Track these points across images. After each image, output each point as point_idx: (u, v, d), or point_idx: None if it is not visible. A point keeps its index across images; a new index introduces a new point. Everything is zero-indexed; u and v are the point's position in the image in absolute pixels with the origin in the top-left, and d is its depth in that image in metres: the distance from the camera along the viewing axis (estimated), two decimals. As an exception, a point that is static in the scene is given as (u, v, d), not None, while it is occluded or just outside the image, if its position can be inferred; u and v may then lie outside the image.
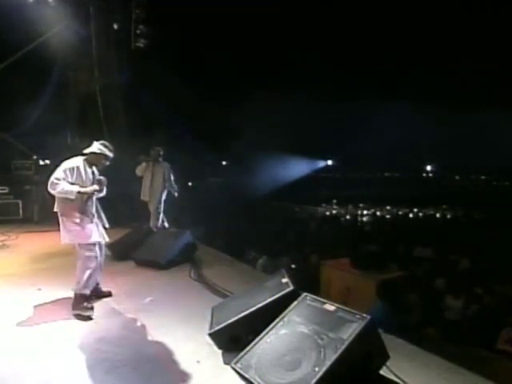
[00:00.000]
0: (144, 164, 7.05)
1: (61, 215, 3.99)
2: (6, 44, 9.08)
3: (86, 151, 4.10)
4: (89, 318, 3.74)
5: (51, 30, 9.50)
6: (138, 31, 9.96)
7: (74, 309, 3.83)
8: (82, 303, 3.86)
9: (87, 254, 3.98)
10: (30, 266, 5.69)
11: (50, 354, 3.02)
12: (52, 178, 3.84)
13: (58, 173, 3.87)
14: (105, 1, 9.85)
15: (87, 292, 3.97)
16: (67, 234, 3.97)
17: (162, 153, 7.11)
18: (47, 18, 9.14)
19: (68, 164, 3.95)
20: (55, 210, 4.04)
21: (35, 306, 4.02)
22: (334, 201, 24.18)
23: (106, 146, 4.16)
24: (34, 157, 9.11)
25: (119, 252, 5.95)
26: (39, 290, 4.49)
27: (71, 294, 4.31)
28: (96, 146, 4.12)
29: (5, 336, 3.36)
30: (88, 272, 3.96)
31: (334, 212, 22.60)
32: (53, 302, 4.17)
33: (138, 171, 7.09)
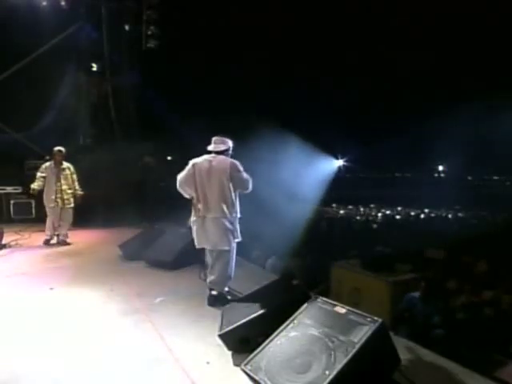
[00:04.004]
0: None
1: (221, 217, 3.92)
2: (20, 46, 9.21)
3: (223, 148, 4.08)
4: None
5: (64, 32, 9.62)
6: (150, 32, 10.04)
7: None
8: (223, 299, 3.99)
9: (233, 253, 4.10)
10: (42, 265, 5.75)
11: (62, 354, 3.05)
12: (245, 176, 3.95)
13: (239, 166, 3.95)
14: (116, 2, 9.93)
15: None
16: (226, 238, 3.97)
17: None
18: (60, 21, 9.26)
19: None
20: (214, 215, 3.92)
21: (47, 306, 4.06)
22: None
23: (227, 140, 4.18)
24: (47, 157, 9.22)
25: (130, 252, 5.99)
26: (51, 289, 4.53)
27: (83, 294, 4.39)
28: (225, 142, 4.10)
29: (17, 335, 3.39)
30: (232, 269, 4.13)
31: (344, 212, 22.45)
32: (65, 301, 4.21)
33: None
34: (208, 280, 4.17)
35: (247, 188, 4.04)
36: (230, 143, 4.12)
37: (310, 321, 2.69)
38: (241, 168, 3.97)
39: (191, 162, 4.02)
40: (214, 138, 4.09)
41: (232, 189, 3.94)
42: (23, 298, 4.27)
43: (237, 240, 4.08)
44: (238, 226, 4.06)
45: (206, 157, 4.01)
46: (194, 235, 4.10)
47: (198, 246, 4.14)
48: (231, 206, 3.94)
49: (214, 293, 4.05)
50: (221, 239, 3.95)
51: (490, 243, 9.53)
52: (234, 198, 3.97)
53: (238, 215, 4.07)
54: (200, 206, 3.94)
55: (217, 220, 3.91)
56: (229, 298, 4.04)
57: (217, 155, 3.99)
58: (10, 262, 5.89)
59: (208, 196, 3.92)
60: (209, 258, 4.21)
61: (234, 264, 4.17)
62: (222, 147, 4.03)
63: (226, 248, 3.99)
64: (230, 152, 4.13)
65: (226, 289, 4.17)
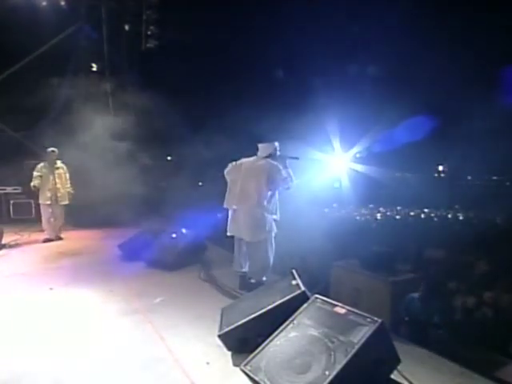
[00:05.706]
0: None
1: (253, 208, 4.31)
2: (20, 46, 9.20)
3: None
4: None
5: (64, 32, 9.62)
6: (149, 32, 10.05)
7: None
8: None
9: (271, 242, 4.40)
10: (41, 265, 5.76)
11: (62, 354, 3.05)
12: (284, 175, 4.32)
13: (279, 168, 4.34)
14: (116, 2, 9.94)
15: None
16: (258, 229, 4.30)
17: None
18: (60, 21, 9.27)
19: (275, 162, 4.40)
20: (247, 206, 4.34)
21: (47, 306, 4.06)
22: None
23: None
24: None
25: (130, 252, 5.99)
26: (51, 289, 4.54)
27: (83, 294, 4.40)
28: (266, 148, 4.53)
29: (17, 335, 3.39)
30: (271, 260, 4.42)
31: (344, 212, 22.39)
32: (64, 301, 4.21)
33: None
34: (243, 269, 4.56)
35: (287, 186, 4.42)
36: (273, 147, 4.52)
37: (309, 321, 2.68)
38: (280, 169, 4.35)
39: (240, 160, 4.59)
40: (259, 145, 4.58)
41: (268, 187, 4.33)
42: (23, 298, 4.27)
43: (272, 231, 4.39)
44: (269, 218, 4.36)
45: (253, 158, 4.54)
46: (228, 223, 4.56)
47: (228, 234, 4.58)
48: (264, 200, 4.32)
49: (252, 281, 4.43)
50: (252, 230, 4.32)
51: (490, 243, 9.53)
52: (268, 194, 4.35)
53: (274, 212, 4.44)
54: (235, 197, 4.47)
55: (249, 210, 4.33)
56: None
57: (261, 158, 4.49)
58: (10, 262, 5.89)
59: (245, 189, 4.40)
60: (236, 247, 4.58)
61: (271, 254, 4.45)
62: (265, 154, 4.50)
63: (258, 239, 4.32)
64: (277, 153, 4.52)
65: (264, 278, 4.43)
